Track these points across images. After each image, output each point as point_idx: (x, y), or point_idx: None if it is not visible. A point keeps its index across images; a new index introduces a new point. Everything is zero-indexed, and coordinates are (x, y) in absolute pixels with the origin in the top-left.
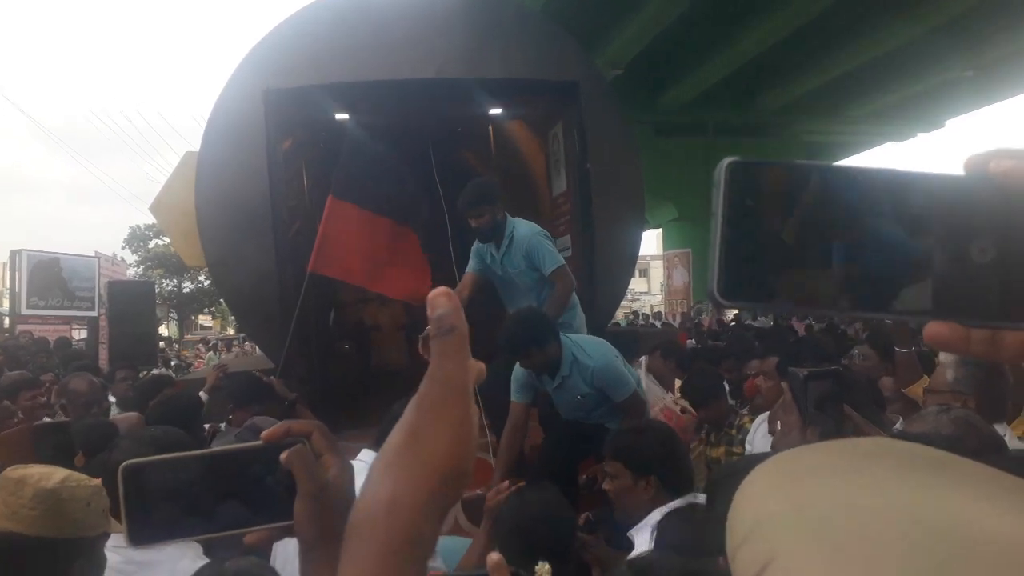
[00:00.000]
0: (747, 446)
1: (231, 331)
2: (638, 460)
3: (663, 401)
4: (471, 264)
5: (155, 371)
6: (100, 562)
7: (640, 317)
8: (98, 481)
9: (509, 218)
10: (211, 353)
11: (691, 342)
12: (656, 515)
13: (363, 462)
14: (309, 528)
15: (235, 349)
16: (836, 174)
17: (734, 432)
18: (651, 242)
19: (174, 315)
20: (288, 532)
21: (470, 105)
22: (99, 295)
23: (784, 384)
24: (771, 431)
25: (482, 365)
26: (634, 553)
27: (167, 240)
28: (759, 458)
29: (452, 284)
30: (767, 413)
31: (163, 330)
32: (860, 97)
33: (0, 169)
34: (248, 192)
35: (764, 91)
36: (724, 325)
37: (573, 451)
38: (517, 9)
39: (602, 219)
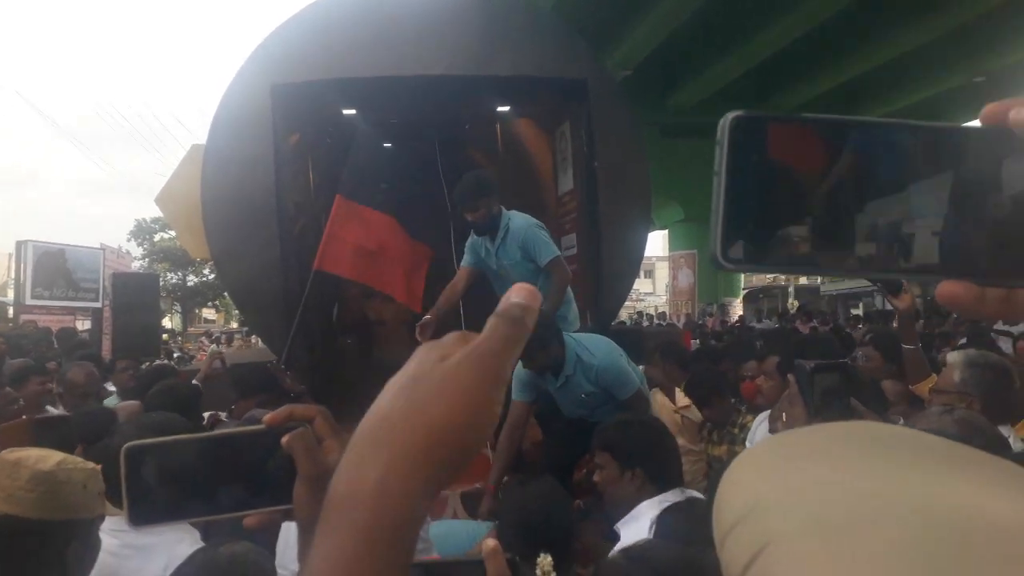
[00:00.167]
0: (748, 444)
1: (235, 325)
2: (625, 452)
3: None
4: (465, 259)
5: (157, 362)
6: (95, 544)
7: (644, 318)
8: (94, 464)
9: (504, 211)
10: (214, 346)
11: (695, 342)
12: (644, 508)
13: None
14: (309, 512)
15: (237, 342)
16: (846, 128)
17: (736, 431)
18: (657, 243)
19: (178, 308)
20: (288, 516)
21: (478, 103)
22: (103, 287)
23: (790, 377)
24: (772, 430)
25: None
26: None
27: (173, 234)
28: None
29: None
30: (768, 412)
31: (167, 323)
32: (870, 102)
33: (7, 162)
34: (254, 186)
35: (773, 94)
36: (728, 326)
37: (575, 449)
38: (527, 7)
39: (608, 218)
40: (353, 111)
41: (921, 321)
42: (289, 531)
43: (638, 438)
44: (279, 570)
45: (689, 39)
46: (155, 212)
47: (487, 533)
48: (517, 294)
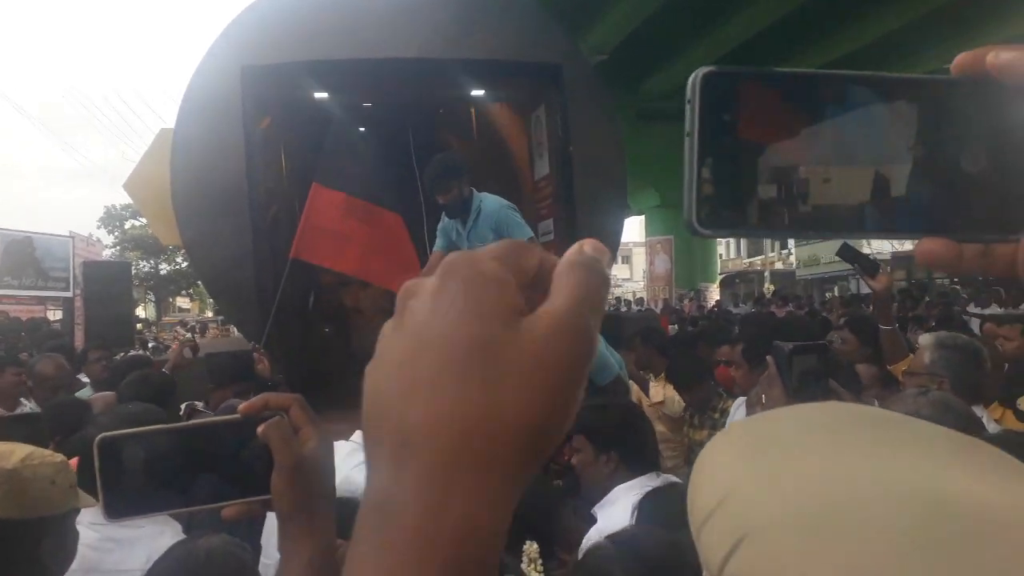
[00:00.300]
0: None
1: (210, 313)
2: (600, 434)
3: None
4: (437, 243)
5: (132, 352)
6: (72, 538)
7: (623, 303)
8: (62, 457)
9: (476, 192)
10: (189, 335)
11: (673, 327)
12: (620, 492)
13: (356, 444)
14: (286, 501)
15: (212, 331)
16: (821, 82)
17: (717, 416)
18: (634, 229)
19: (151, 297)
20: (266, 506)
21: (452, 86)
22: (74, 276)
23: (768, 358)
24: (749, 414)
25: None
26: (596, 528)
27: (144, 221)
28: None
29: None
30: (744, 397)
31: (140, 312)
32: None
33: None
34: (224, 171)
35: None
36: (705, 311)
37: None
38: None
39: (584, 203)
40: (325, 94)
41: (896, 304)
42: (274, 521)
43: (613, 421)
44: (264, 560)
45: (665, 23)
46: (125, 199)
47: None
48: (590, 246)
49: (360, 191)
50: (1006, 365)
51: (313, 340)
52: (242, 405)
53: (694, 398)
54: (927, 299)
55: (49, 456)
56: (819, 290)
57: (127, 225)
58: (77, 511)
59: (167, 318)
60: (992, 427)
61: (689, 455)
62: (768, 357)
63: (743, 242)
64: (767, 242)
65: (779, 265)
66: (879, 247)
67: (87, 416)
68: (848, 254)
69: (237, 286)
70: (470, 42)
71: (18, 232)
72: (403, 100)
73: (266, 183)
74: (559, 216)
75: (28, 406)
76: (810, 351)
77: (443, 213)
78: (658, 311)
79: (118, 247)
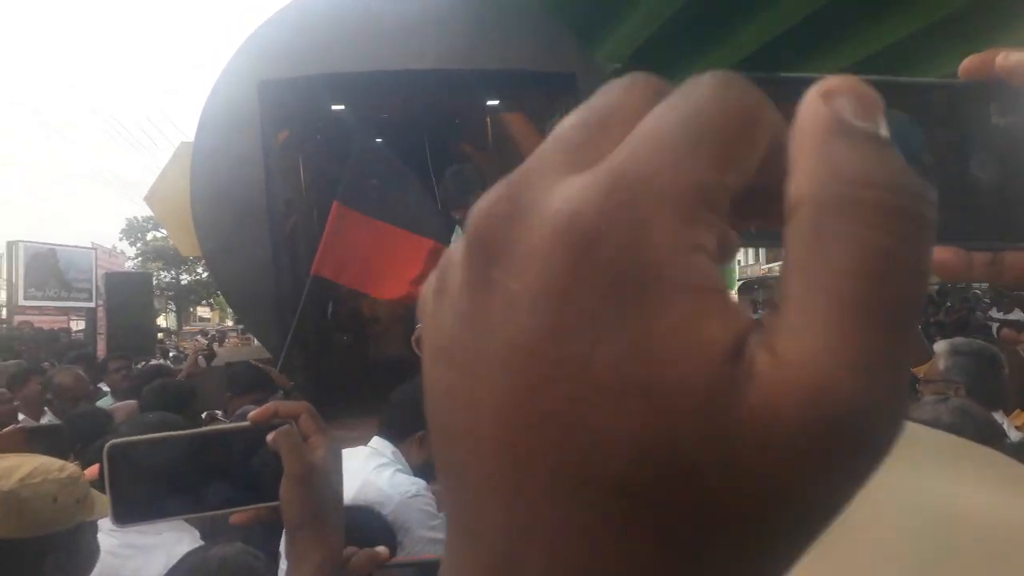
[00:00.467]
0: None
1: (230, 322)
2: None
3: None
4: None
5: (153, 361)
6: (86, 550)
7: None
8: (73, 471)
9: None
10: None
11: None
12: None
13: (374, 448)
14: (294, 509)
15: (232, 340)
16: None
17: None
18: None
19: (172, 307)
20: (274, 513)
21: (467, 96)
22: (96, 286)
23: None
24: None
25: None
26: None
27: (165, 232)
28: None
29: None
30: None
31: (161, 321)
32: None
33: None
34: (243, 184)
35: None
36: None
37: None
38: (515, 1)
39: None
40: (342, 106)
41: None
42: None
43: None
44: (284, 567)
45: (679, 31)
46: (146, 211)
47: None
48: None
49: (386, 215)
50: None
51: (331, 348)
52: (252, 413)
53: None
54: (948, 304)
55: (56, 471)
56: None
57: (149, 236)
58: (91, 524)
59: (188, 327)
60: (1014, 434)
61: None
62: None
63: (762, 249)
64: None
65: None
66: None
67: (109, 425)
68: None
69: (256, 296)
70: (485, 52)
71: (42, 244)
72: (419, 111)
73: (284, 194)
74: None
75: (47, 417)
76: None
77: (456, 227)
78: None
79: (140, 258)
